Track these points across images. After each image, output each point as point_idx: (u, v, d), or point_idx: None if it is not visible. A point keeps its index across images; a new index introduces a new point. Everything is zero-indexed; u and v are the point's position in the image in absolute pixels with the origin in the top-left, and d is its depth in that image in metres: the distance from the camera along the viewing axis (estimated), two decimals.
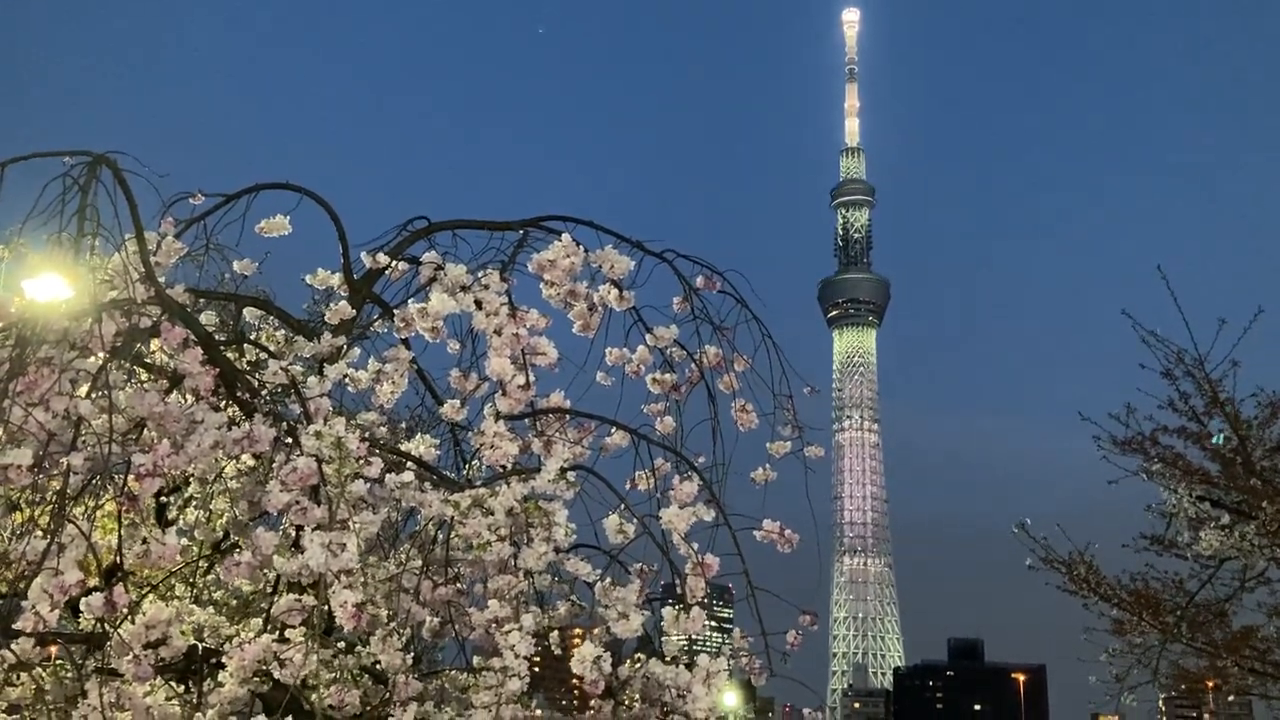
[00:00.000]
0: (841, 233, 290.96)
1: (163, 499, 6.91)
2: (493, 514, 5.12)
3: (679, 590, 5.50)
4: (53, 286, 5.14)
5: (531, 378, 5.75)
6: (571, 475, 5.42)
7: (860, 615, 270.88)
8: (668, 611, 5.46)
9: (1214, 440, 13.64)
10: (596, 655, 4.96)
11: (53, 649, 5.44)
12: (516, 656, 4.92)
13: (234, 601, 7.19)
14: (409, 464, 5.77)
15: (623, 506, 5.57)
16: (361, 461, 4.88)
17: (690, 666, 5.30)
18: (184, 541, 6.46)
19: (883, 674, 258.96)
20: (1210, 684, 18.17)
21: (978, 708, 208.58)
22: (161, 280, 5.62)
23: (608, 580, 5.45)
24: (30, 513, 5.20)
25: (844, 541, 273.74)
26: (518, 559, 5.20)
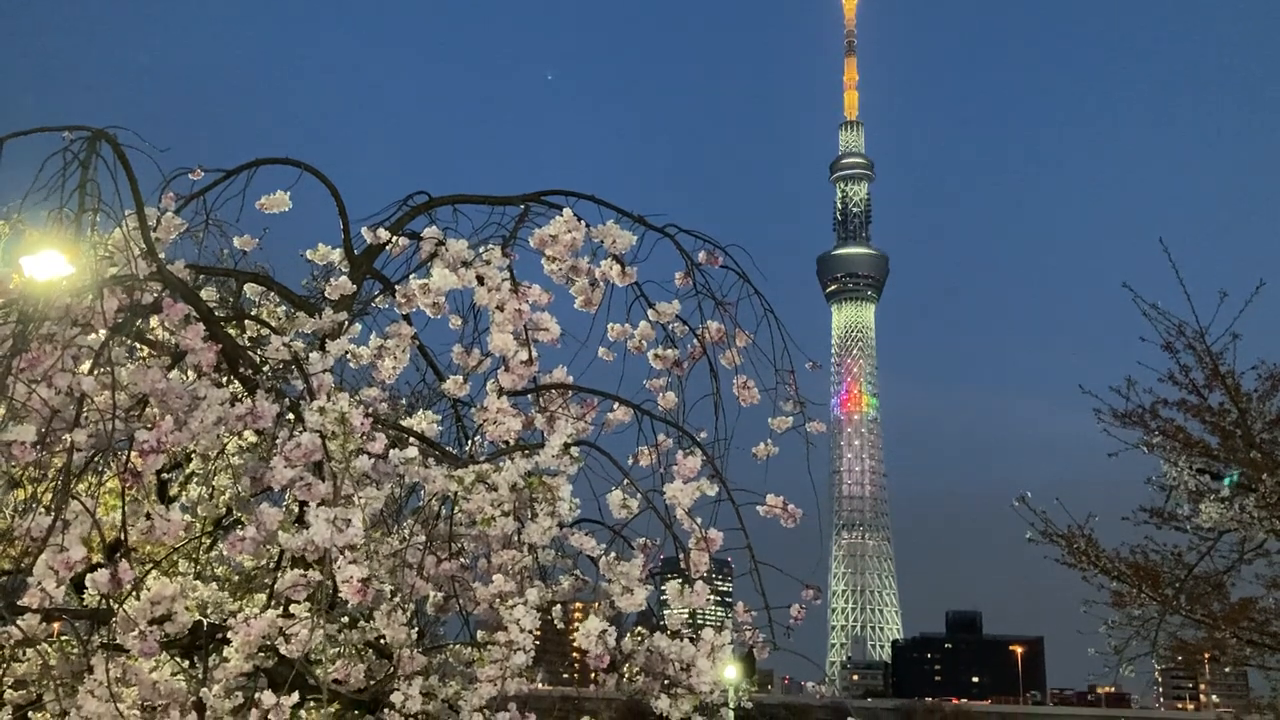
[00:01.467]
0: (840, 207, 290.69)
1: (164, 476, 6.91)
2: (496, 489, 5.13)
3: (682, 564, 5.51)
4: (53, 263, 5.12)
5: (534, 353, 5.73)
6: (575, 450, 5.42)
7: (859, 588, 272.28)
8: (671, 586, 5.48)
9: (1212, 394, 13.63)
10: (602, 629, 4.97)
11: (58, 625, 5.45)
12: (521, 630, 4.94)
13: (236, 577, 7.20)
14: (412, 439, 5.76)
15: (626, 482, 5.57)
16: (365, 437, 4.87)
17: (694, 640, 5.32)
18: (187, 518, 6.47)
19: (881, 646, 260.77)
20: (1207, 656, 18.27)
21: (976, 679, 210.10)
22: (162, 256, 5.59)
23: (611, 555, 5.45)
24: (33, 490, 5.20)
25: (842, 515, 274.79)
26: (522, 534, 5.21)
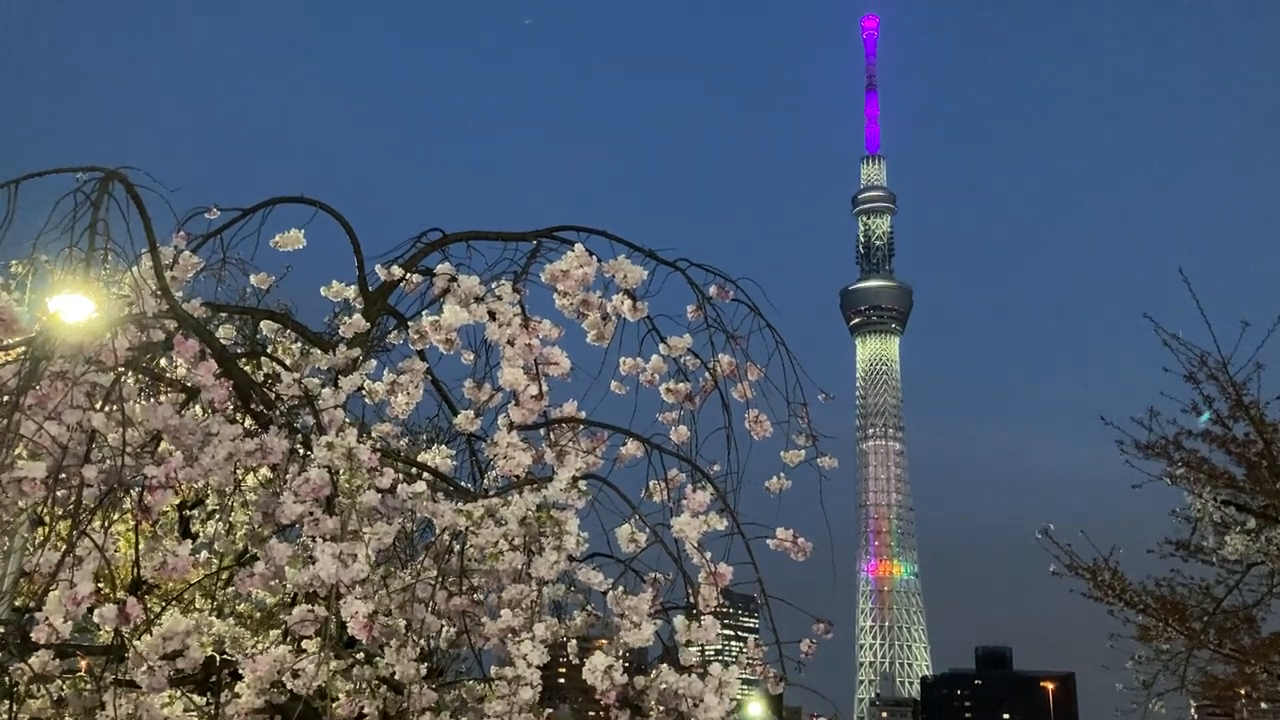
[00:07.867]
0: (863, 240, 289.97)
1: (185, 513, 6.95)
2: (505, 523, 5.13)
3: (690, 599, 5.49)
4: (70, 302, 5.19)
5: (545, 388, 5.75)
6: (584, 484, 5.41)
7: (887, 624, 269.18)
8: (679, 620, 5.44)
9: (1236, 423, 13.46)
10: (608, 665, 4.95)
11: (85, 662, 5.48)
12: (529, 665, 4.92)
13: (258, 614, 7.21)
14: (422, 474, 5.78)
15: (635, 516, 5.56)
16: (374, 472, 4.89)
17: (704, 676, 5.28)
18: (205, 554, 6.50)
19: (910, 683, 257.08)
20: (1242, 691, 17.92)
21: (1006, 716, 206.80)
22: (180, 295, 5.66)
23: (619, 589, 5.43)
24: (52, 527, 5.24)
25: (869, 550, 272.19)
26: (529, 568, 5.20)
